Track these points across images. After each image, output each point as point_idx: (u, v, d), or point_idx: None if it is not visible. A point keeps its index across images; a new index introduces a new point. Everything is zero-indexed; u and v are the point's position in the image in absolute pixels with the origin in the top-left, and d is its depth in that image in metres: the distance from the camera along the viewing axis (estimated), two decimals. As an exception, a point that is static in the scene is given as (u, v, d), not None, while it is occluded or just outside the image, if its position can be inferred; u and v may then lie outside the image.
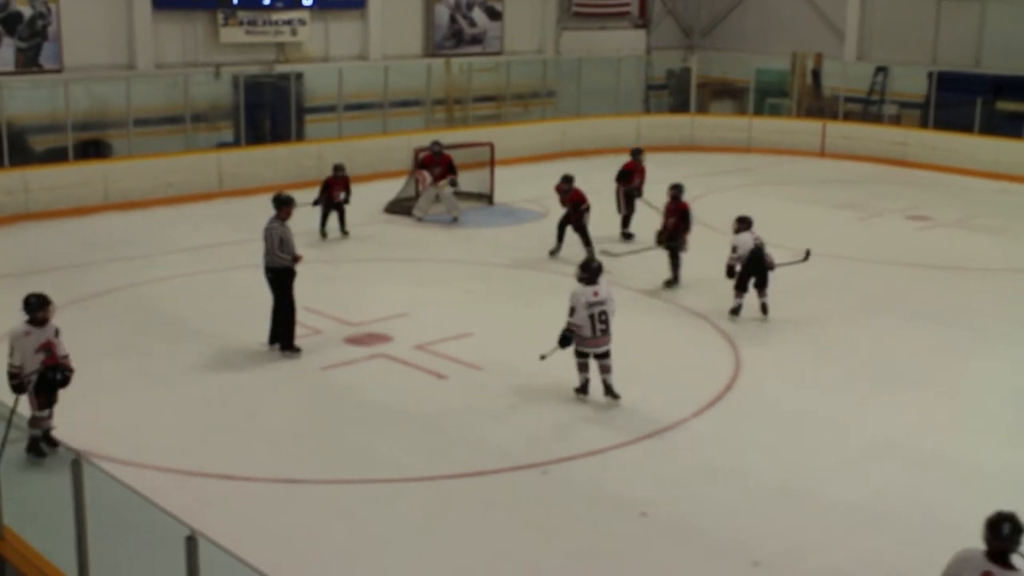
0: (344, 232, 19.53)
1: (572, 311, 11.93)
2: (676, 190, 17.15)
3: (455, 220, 20.91)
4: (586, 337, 11.99)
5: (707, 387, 12.62)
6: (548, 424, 11.71)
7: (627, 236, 19.57)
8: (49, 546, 7.47)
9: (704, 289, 16.42)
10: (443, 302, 15.90)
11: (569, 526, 9.52)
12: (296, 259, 13.54)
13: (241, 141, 24.55)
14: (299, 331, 14.15)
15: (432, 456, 10.84)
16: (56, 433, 9.81)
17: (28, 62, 23.28)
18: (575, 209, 17.93)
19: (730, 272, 15.05)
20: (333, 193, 19.32)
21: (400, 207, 21.76)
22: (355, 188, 19.84)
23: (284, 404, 12.31)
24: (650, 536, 9.37)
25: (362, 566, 8.84)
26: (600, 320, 11.98)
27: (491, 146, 23.01)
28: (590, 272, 12.10)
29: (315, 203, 19.14)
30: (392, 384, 12.80)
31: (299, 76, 26.14)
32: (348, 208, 19.60)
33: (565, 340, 12.01)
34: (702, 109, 31.60)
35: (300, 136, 25.80)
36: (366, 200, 22.44)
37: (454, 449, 10.99)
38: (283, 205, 13.68)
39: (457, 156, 21.47)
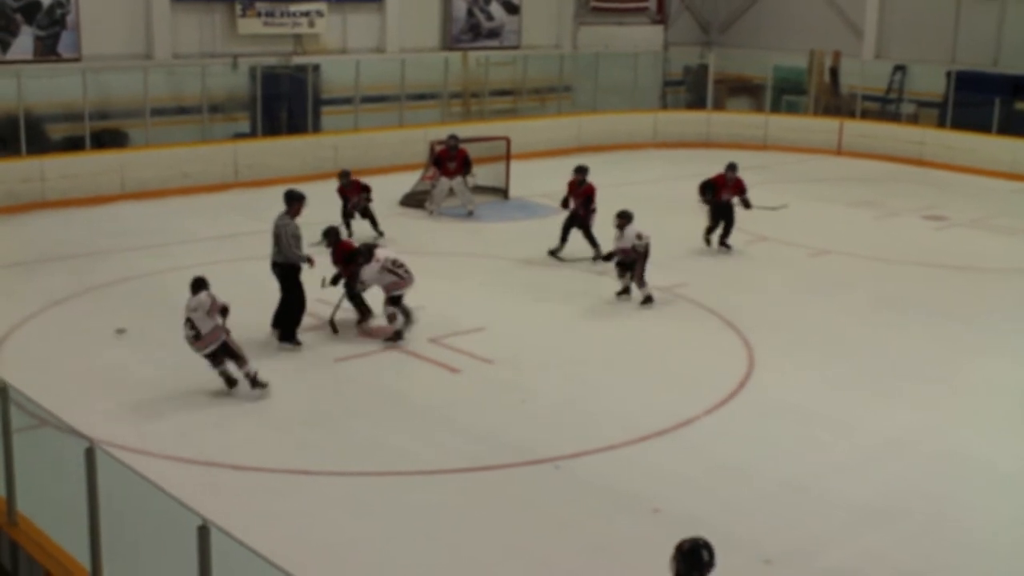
0: (379, 233, 18.87)
1: (363, 283, 13.83)
2: (581, 173, 17.81)
3: (470, 214, 20.92)
4: (403, 279, 13.76)
5: (720, 384, 12.60)
6: (560, 419, 11.70)
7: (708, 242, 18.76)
8: (62, 533, 7.50)
9: (717, 286, 16.42)
10: (457, 296, 15.90)
11: (580, 521, 9.51)
12: (311, 262, 13.66)
13: (257, 132, 24.61)
14: (313, 322, 14.21)
15: (443, 449, 10.85)
16: (70, 421, 9.82)
17: (46, 51, 23.37)
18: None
19: (626, 258, 15.71)
20: (349, 201, 18.87)
21: (415, 200, 21.78)
22: (371, 180, 19.76)
23: (297, 395, 12.33)
24: (661, 533, 9.31)
25: (372, 558, 8.85)
26: (397, 265, 13.77)
27: (507, 140, 23.00)
28: (364, 254, 13.86)
29: (345, 219, 18.70)
30: (405, 377, 12.82)
31: (316, 68, 26.17)
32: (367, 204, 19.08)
33: (394, 301, 13.78)
34: (719, 106, 31.52)
35: (316, 128, 25.82)
36: (382, 193, 22.41)
37: (466, 443, 11.00)
38: (296, 201, 13.70)
39: (473, 150, 21.46)
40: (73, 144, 22.30)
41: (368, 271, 13.76)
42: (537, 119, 28.94)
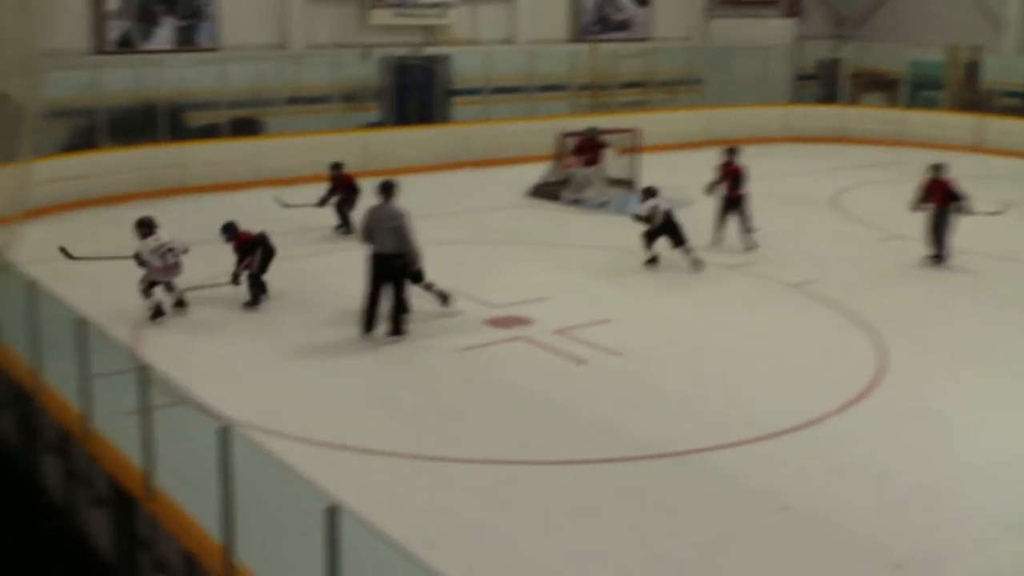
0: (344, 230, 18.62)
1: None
2: (730, 154, 18.12)
3: (603, 205, 20.91)
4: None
5: (850, 383, 12.34)
6: (687, 413, 11.60)
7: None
8: (197, 509, 7.70)
9: (849, 284, 16.12)
10: (584, 287, 15.90)
11: (704, 517, 9.42)
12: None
13: (388, 122, 24.89)
14: (440, 311, 14.36)
15: (568, 440, 10.85)
16: (206, 401, 10.07)
17: (186, 41, 23.98)
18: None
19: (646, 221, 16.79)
20: (337, 193, 18.79)
21: (544, 191, 21.83)
22: (499, 171, 19.89)
23: (425, 382, 12.47)
24: (787, 531, 9.22)
25: (494, 545, 8.88)
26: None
27: (636, 132, 22.90)
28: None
29: (321, 203, 18.71)
30: (531, 367, 12.84)
31: (446, 59, 26.38)
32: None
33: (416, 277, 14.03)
34: (852, 100, 30.95)
35: (446, 118, 26.04)
36: (510, 184, 22.58)
37: (590, 434, 10.98)
38: (397, 190, 13.65)
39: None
40: (211, 132, 22.86)
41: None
42: (666, 112, 28.80)
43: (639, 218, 16.87)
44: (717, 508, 9.58)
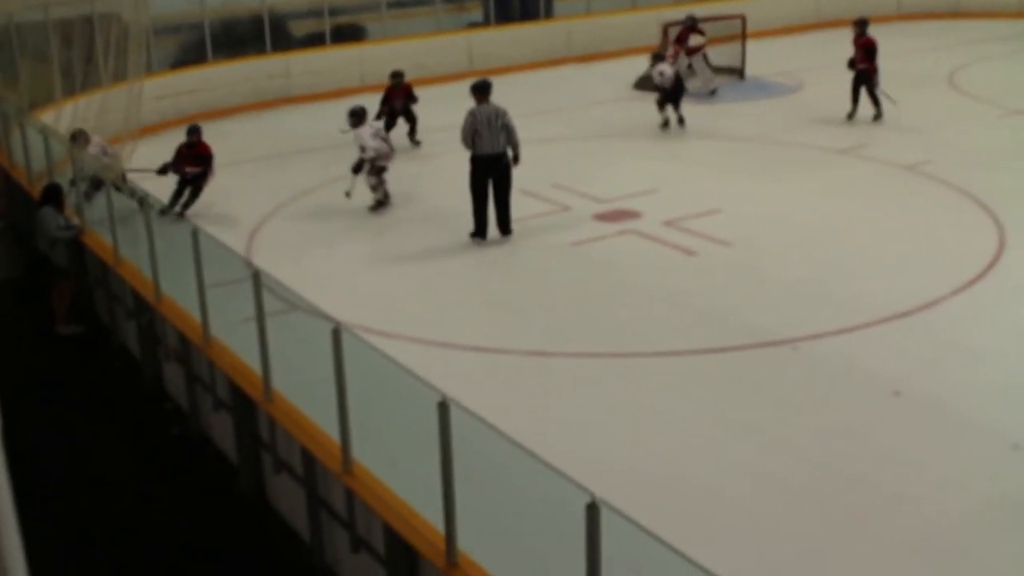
0: (415, 142, 18.33)
1: (363, 149, 14.37)
2: (860, 26, 17.87)
3: (713, 93, 20.60)
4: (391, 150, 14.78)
5: (967, 265, 12.07)
6: (798, 300, 11.47)
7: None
8: (312, 408, 7.89)
9: (965, 164, 15.68)
10: (693, 178, 15.74)
11: (817, 403, 9.36)
12: None
13: (491, 21, 24.71)
14: (548, 208, 14.37)
15: (680, 331, 10.83)
16: (318, 304, 10.26)
17: (286, -51, 23.97)
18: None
19: (660, 90, 18.40)
20: (393, 103, 18.25)
21: (649, 83, 21.52)
22: (604, 65, 19.69)
23: (534, 279, 12.52)
24: (902, 415, 9.12)
25: (608, 438, 8.95)
26: (385, 136, 15.01)
27: (742, 18, 22.38)
28: (358, 115, 14.56)
29: (377, 117, 17.78)
30: (641, 260, 12.81)
31: (547, -48, 26.04)
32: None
33: (378, 171, 14.64)
34: (970, -29, 29.75)
35: (549, 14, 25.75)
36: (615, 77, 22.33)
37: (702, 324, 10.94)
38: (491, 89, 13.41)
39: (708, 29, 21.08)
40: (315, 40, 22.98)
41: (365, 133, 14.43)
42: (774, -6, 28.07)
43: (656, 86, 18.39)
44: (831, 394, 9.51)
